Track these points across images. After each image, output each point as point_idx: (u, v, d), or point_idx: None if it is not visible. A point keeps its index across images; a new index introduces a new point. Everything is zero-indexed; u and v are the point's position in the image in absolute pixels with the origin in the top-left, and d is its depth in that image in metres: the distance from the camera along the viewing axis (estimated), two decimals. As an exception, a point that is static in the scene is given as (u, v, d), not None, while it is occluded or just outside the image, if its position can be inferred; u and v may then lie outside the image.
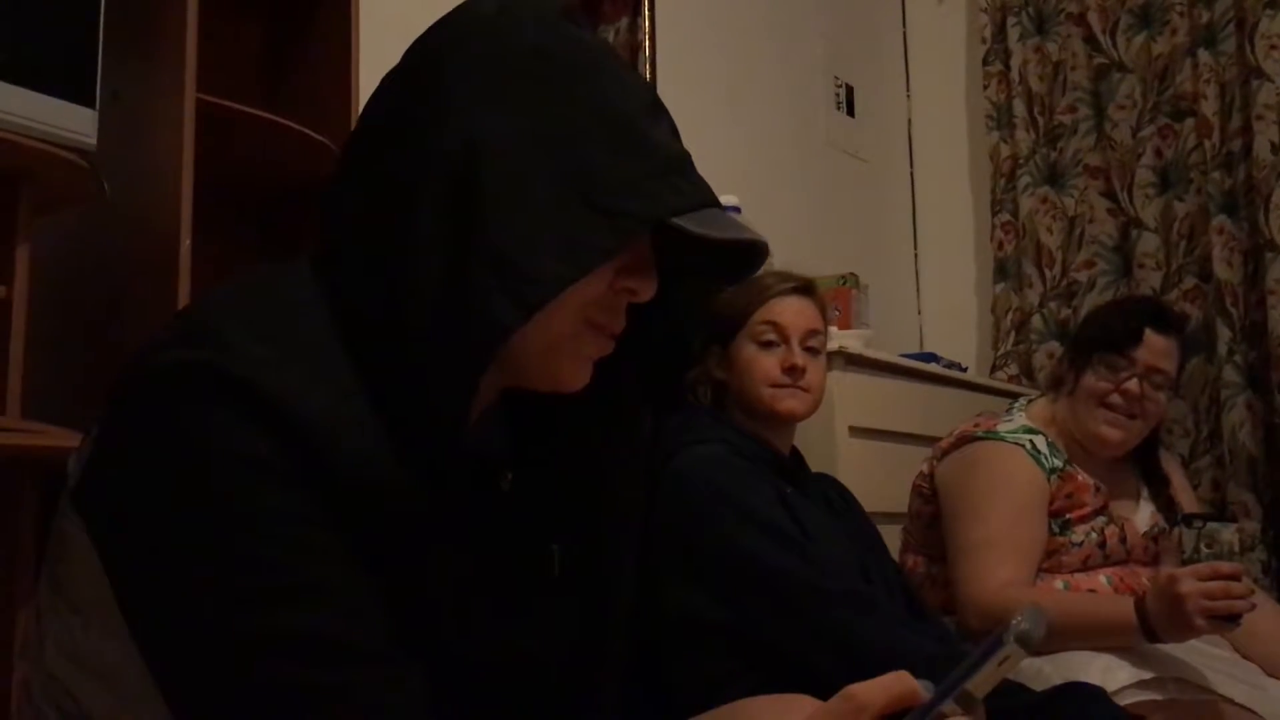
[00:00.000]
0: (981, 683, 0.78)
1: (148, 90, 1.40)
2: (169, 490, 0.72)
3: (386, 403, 0.77)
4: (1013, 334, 3.56)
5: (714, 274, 0.95)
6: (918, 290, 3.91)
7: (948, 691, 0.79)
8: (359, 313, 0.79)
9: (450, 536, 0.81)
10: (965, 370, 3.10)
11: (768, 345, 1.80)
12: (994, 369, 3.56)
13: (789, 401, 1.79)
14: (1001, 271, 3.63)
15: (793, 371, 1.78)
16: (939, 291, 3.88)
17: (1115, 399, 2.03)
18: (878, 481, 2.39)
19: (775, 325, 1.80)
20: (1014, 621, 0.76)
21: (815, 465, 2.19)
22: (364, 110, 0.86)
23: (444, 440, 0.78)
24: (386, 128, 0.84)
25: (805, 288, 1.86)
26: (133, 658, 0.74)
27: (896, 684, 0.77)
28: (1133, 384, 2.01)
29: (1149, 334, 2.02)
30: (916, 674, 1.52)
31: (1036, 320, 3.51)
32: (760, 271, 2.20)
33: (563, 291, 0.78)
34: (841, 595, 1.59)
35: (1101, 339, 2.07)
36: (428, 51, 0.85)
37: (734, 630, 1.62)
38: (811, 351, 1.82)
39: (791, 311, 1.82)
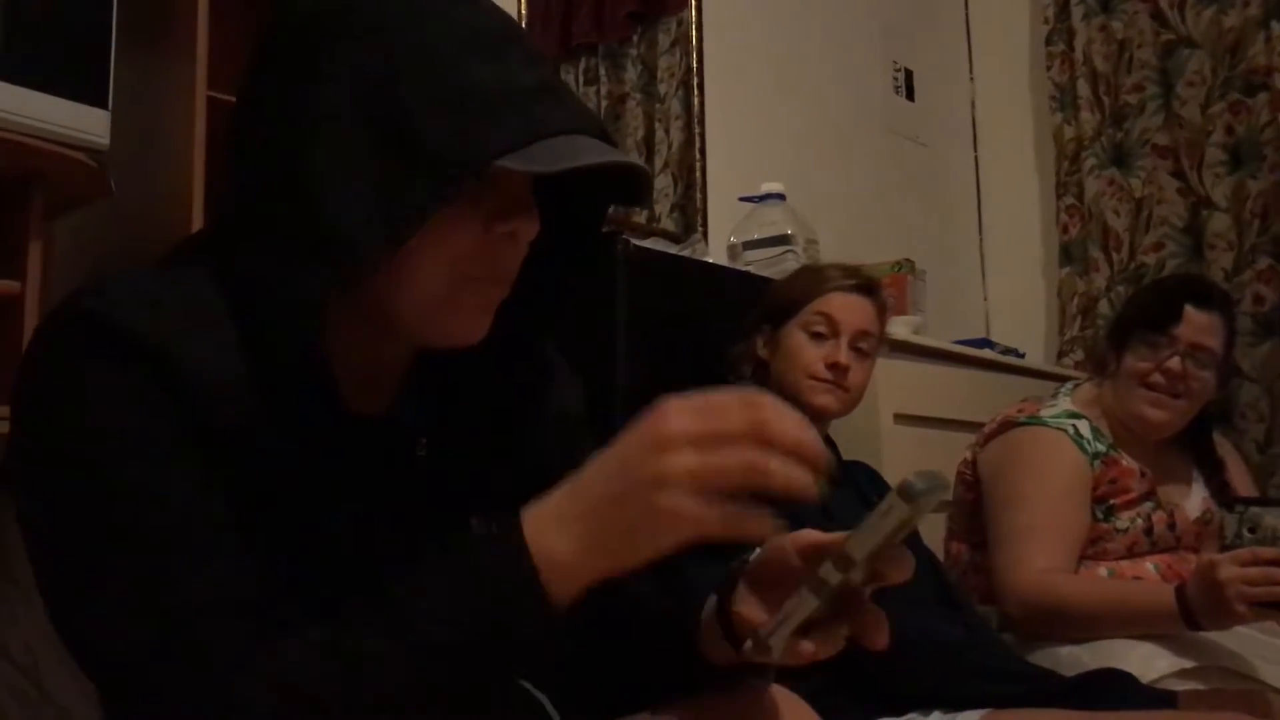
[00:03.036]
0: (861, 541, 0.77)
1: (161, 89, 1.44)
2: (49, 434, 0.75)
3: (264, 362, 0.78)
4: (1079, 319, 3.48)
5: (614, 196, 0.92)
6: (983, 276, 3.84)
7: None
8: (235, 274, 0.80)
9: (363, 501, 0.82)
10: (1022, 356, 3.04)
11: (817, 337, 1.79)
12: (1059, 355, 3.48)
13: (824, 397, 1.78)
14: (1067, 256, 3.55)
15: (835, 369, 1.77)
16: (1004, 277, 3.81)
17: (1157, 379, 1.98)
18: (924, 468, 2.35)
19: (828, 318, 1.79)
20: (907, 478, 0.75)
21: (858, 452, 2.17)
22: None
23: (324, 416, 0.79)
24: (239, 105, 0.84)
25: (868, 287, 1.85)
26: None
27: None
28: (1174, 362, 1.96)
29: (1189, 310, 1.96)
30: (942, 658, 1.51)
31: (1104, 305, 3.42)
32: (826, 263, 2.21)
33: (382, 257, 0.76)
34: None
35: (1141, 318, 2.02)
36: (274, 18, 0.84)
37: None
38: (860, 352, 1.80)
39: (848, 308, 1.81)
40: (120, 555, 0.73)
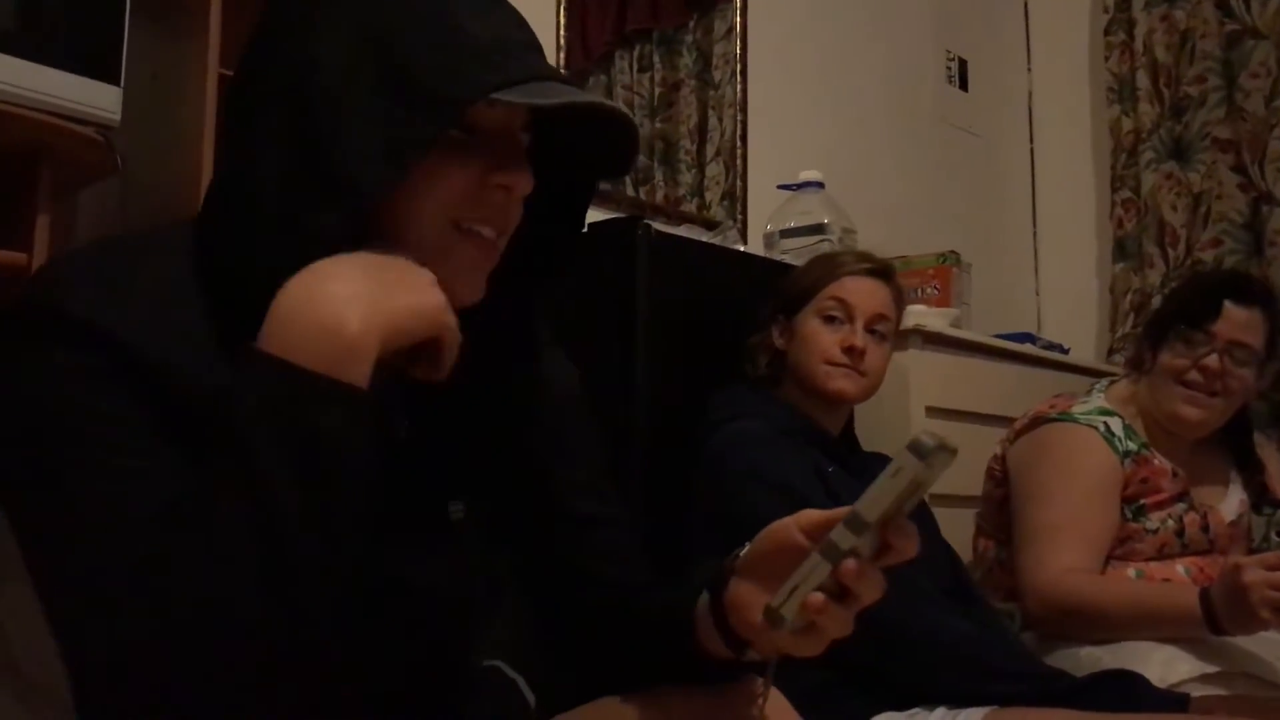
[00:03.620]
0: (872, 503, 0.76)
1: (173, 67, 1.46)
2: (12, 420, 0.76)
3: (234, 339, 0.78)
4: (1131, 316, 3.40)
5: (602, 167, 0.93)
6: (1035, 271, 3.77)
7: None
8: (215, 251, 0.81)
9: None
10: (1066, 352, 2.97)
11: (832, 322, 1.77)
12: (1110, 352, 3.41)
13: (841, 381, 1.76)
14: (1121, 251, 3.47)
15: (851, 352, 1.75)
16: (1057, 272, 3.74)
17: (1194, 376, 1.93)
18: (955, 463, 2.31)
19: (843, 303, 1.77)
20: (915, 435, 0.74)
21: (887, 444, 2.14)
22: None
23: None
24: (243, 70, 0.86)
25: (881, 271, 1.83)
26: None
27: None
28: (1212, 359, 1.90)
29: (1228, 306, 1.90)
30: (946, 654, 1.48)
31: (1158, 302, 3.33)
32: (840, 249, 2.18)
33: (389, 190, 0.78)
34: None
35: (1178, 313, 1.97)
36: None
37: (763, 605, 1.61)
38: (876, 336, 1.78)
39: (862, 292, 1.79)
40: (78, 522, 0.74)
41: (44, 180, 1.29)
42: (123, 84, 1.37)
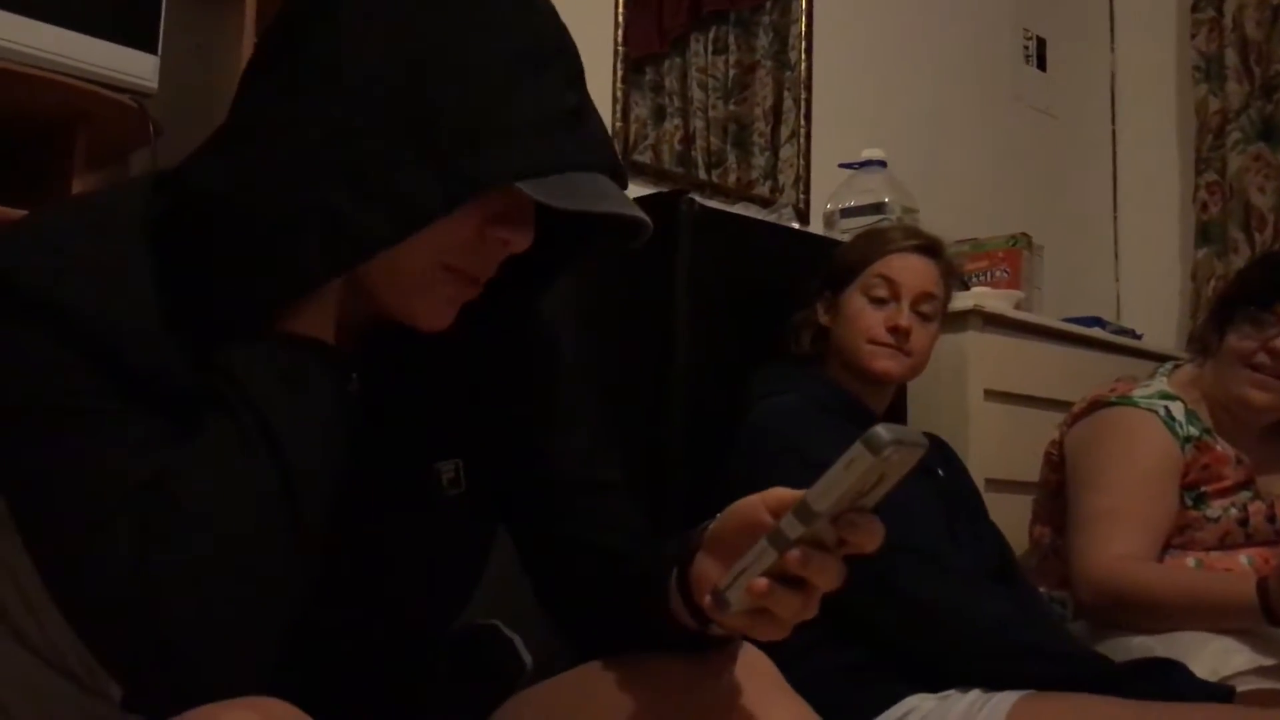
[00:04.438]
0: (822, 493, 0.73)
1: (211, 37, 1.49)
2: None
3: (185, 303, 0.79)
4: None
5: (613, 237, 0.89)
6: (1115, 254, 3.66)
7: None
8: (186, 227, 0.81)
9: None
10: (1139, 338, 2.88)
11: (878, 301, 1.74)
12: (1191, 340, 3.29)
13: (886, 362, 1.72)
14: (1205, 235, 3.36)
15: (896, 332, 1.71)
16: (1138, 256, 3.63)
17: (1262, 358, 1.85)
18: (1013, 448, 2.27)
19: (889, 281, 1.74)
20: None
21: (945, 427, 2.11)
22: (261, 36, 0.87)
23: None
24: (263, 59, 0.84)
25: (930, 248, 1.79)
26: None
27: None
28: (1280, 341, 1.83)
29: (1299, 286, 1.82)
30: (982, 635, 1.45)
31: (1240, 287, 3.22)
32: (888, 224, 2.14)
33: (381, 249, 0.76)
34: (904, 549, 1.52)
35: (1245, 295, 1.89)
36: None
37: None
38: (923, 315, 1.74)
39: (909, 270, 1.75)
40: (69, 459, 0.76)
41: (80, 147, 1.32)
42: (160, 53, 1.39)
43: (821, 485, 0.73)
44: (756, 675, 0.89)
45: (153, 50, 1.38)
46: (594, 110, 0.84)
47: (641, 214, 0.83)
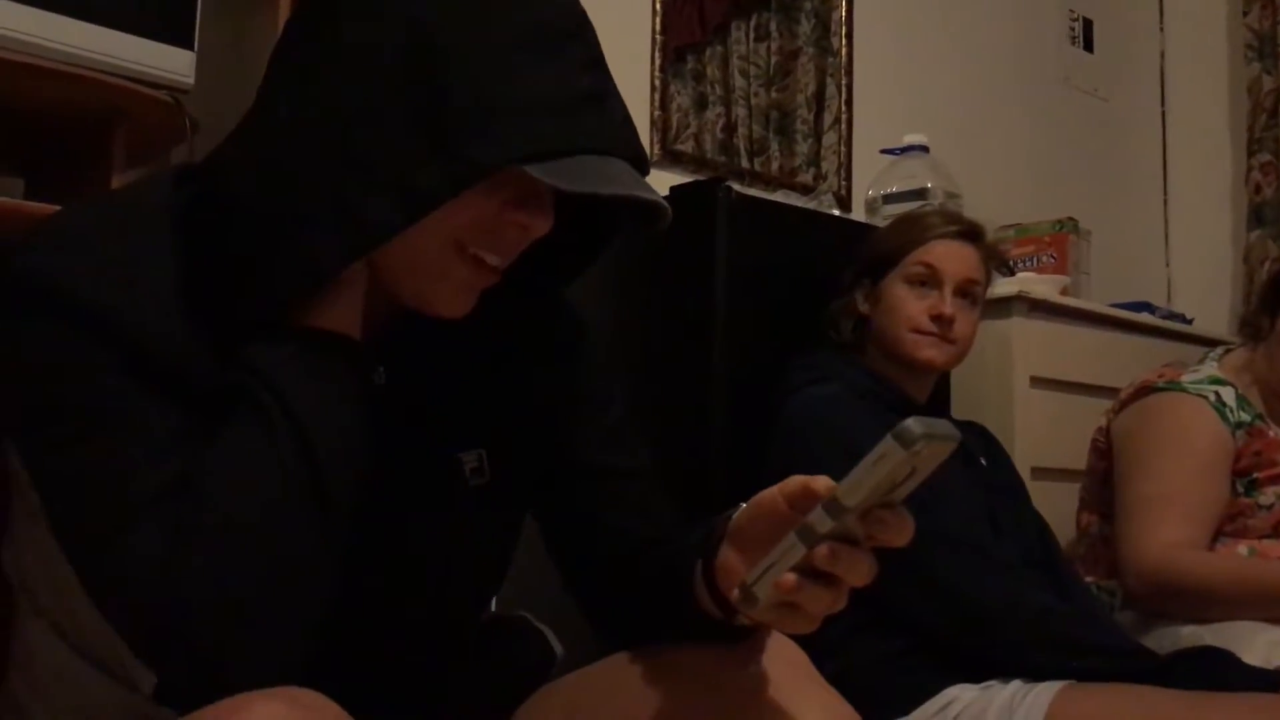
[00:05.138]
0: (852, 488, 0.72)
1: (247, 34, 1.50)
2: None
3: (209, 300, 0.80)
4: (1268, 286, 3.22)
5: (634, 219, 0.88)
6: (1166, 238, 3.60)
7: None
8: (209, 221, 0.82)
9: None
10: (1189, 322, 2.83)
11: (919, 288, 1.71)
12: (1243, 324, 3.23)
13: (929, 350, 1.70)
14: (1258, 218, 3.29)
15: (939, 320, 1.69)
16: (1189, 240, 3.56)
17: (1315, 342, 1.81)
18: (1059, 435, 2.24)
19: (930, 268, 1.72)
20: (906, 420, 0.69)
21: (990, 415, 2.08)
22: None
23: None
24: (280, 51, 0.85)
25: (970, 233, 1.76)
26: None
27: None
28: (1334, 324, 1.79)
29: (1352, 268, 1.78)
30: (1025, 626, 1.44)
31: (1298, 270, 3.16)
32: (929, 209, 2.12)
33: (391, 233, 0.77)
34: (946, 540, 1.51)
35: (1299, 275, 1.85)
36: None
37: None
38: (966, 301, 1.72)
39: (951, 256, 1.72)
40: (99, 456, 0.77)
41: (118, 144, 1.33)
42: (196, 48, 1.40)
43: (852, 480, 0.72)
44: (787, 665, 0.88)
45: (189, 46, 1.39)
46: (615, 95, 0.83)
47: (657, 197, 0.81)
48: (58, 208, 0.97)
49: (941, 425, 0.70)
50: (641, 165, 0.83)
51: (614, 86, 0.84)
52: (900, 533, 0.74)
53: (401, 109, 0.76)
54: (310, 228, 0.77)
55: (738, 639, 0.89)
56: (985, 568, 1.50)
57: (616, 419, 1.03)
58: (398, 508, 0.89)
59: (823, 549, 0.73)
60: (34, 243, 0.80)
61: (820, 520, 0.73)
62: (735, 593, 0.78)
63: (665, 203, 0.82)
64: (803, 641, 1.59)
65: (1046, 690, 1.39)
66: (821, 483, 0.76)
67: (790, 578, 0.74)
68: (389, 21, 0.78)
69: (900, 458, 0.69)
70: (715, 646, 0.89)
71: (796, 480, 0.79)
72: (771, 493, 0.81)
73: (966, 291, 1.72)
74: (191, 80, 1.40)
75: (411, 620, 0.93)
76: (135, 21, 1.35)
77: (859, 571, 0.74)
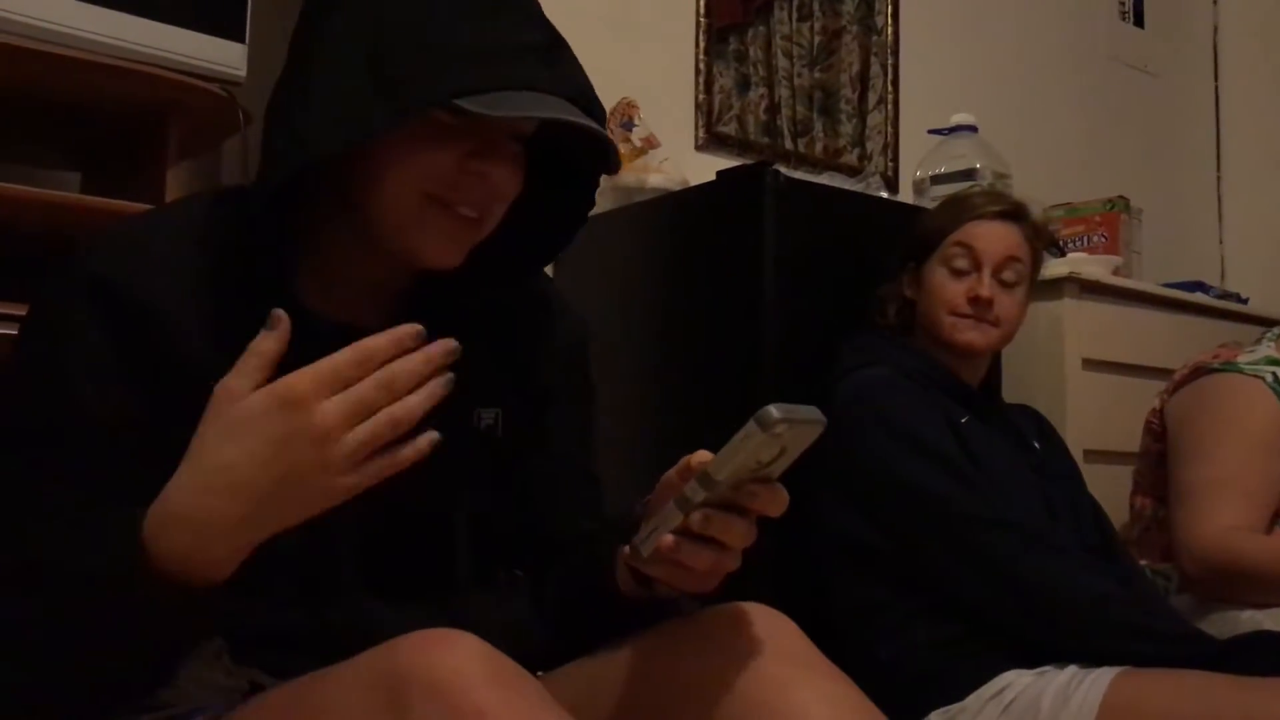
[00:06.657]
0: (720, 464, 0.80)
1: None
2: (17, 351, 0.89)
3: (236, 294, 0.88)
4: (1326, 264, 3.17)
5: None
6: (1219, 217, 3.54)
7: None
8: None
9: None
10: (1244, 302, 2.79)
11: (958, 271, 1.70)
12: (1299, 304, 3.18)
13: (969, 333, 1.68)
14: (1314, 194, 3.23)
15: (977, 303, 1.67)
16: (1243, 219, 3.51)
17: (1376, 323, 1.78)
18: (1112, 418, 2.21)
19: (969, 249, 1.70)
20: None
21: (1041, 397, 2.06)
22: None
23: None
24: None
25: (1011, 212, 1.73)
26: None
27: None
28: (1392, 304, 1.75)
29: None
30: (1082, 612, 1.44)
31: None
32: (974, 189, 2.10)
33: (325, 156, 0.85)
34: (1001, 524, 1.50)
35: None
36: None
37: (891, 555, 1.57)
38: (1005, 283, 1.70)
39: (990, 236, 1.70)
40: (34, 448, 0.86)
41: (173, 137, 1.35)
42: (248, 41, 1.42)
43: (721, 456, 0.80)
44: (785, 660, 0.89)
45: (240, 39, 1.41)
46: (566, 51, 0.91)
47: (590, 122, 0.87)
48: (116, 202, 1.03)
49: (805, 411, 0.78)
50: (596, 115, 0.90)
51: (564, 44, 0.91)
52: (772, 504, 0.84)
53: (359, 63, 0.85)
54: (269, 154, 0.88)
55: (662, 614, 0.96)
56: (1043, 552, 1.48)
57: (588, 419, 1.12)
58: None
59: (697, 515, 0.82)
60: (93, 240, 0.90)
61: (694, 491, 0.82)
62: (625, 549, 0.90)
63: (599, 128, 0.88)
64: (858, 628, 1.60)
65: (1103, 676, 1.38)
66: (697, 458, 0.86)
67: (669, 538, 0.84)
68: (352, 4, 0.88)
69: (761, 439, 0.76)
70: (690, 642, 0.93)
71: (693, 457, 0.88)
72: (670, 471, 0.90)
73: (1006, 271, 1.69)
74: (243, 73, 1.42)
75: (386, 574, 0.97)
76: (187, 16, 1.38)
77: (734, 535, 0.84)
